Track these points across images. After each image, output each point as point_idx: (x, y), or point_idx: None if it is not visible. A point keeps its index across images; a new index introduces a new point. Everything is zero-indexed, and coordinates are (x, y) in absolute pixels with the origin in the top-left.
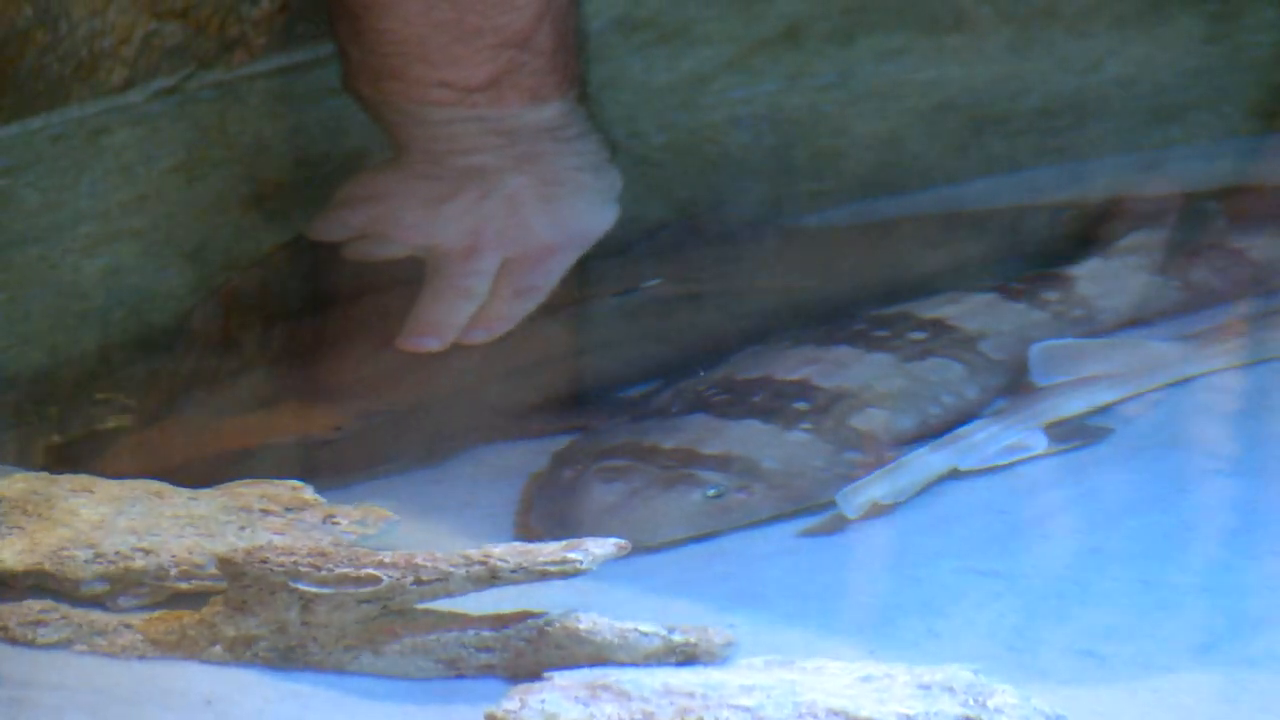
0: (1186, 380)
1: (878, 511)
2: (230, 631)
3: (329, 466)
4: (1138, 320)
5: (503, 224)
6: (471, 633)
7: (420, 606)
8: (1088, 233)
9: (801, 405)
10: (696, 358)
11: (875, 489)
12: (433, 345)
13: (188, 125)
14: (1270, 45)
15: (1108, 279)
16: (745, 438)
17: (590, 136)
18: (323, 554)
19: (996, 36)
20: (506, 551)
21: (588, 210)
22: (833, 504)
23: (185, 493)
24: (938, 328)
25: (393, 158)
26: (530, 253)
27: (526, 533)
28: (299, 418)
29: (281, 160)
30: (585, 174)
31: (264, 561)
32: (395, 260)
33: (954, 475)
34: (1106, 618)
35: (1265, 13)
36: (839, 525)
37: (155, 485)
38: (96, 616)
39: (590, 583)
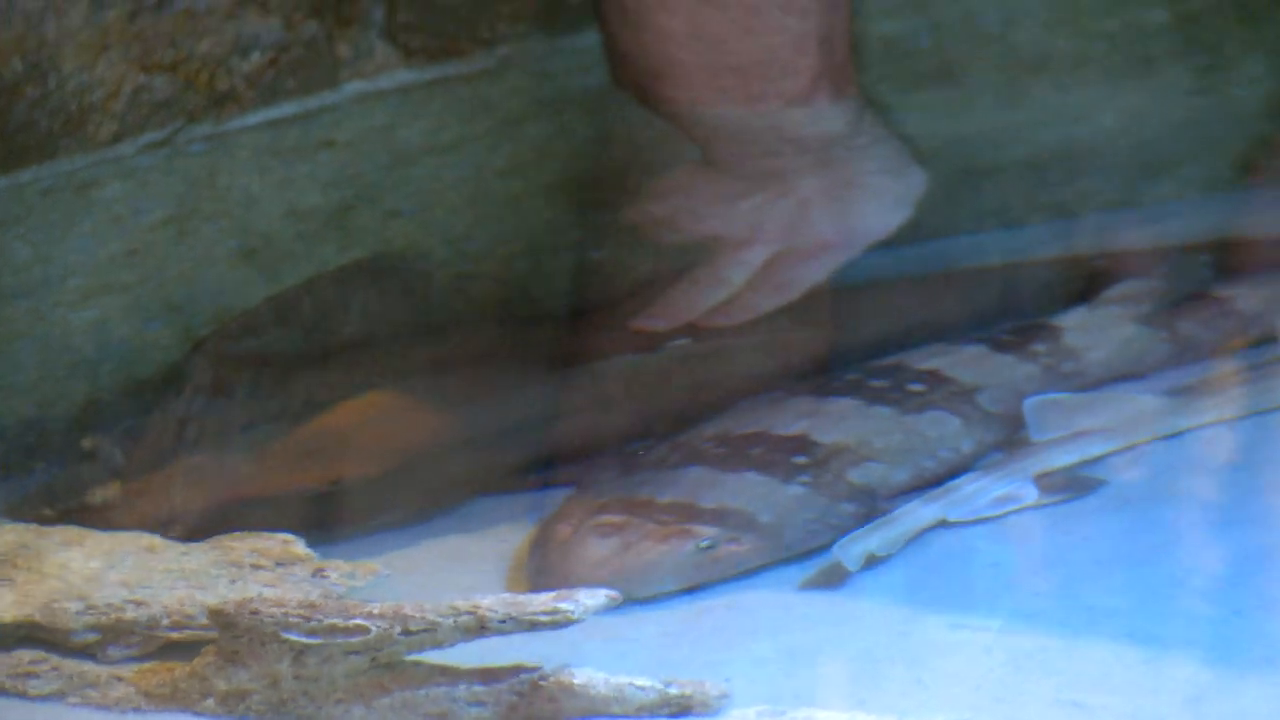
0: (1176, 434)
1: (872, 562)
2: (222, 685)
3: (323, 520)
4: (1127, 373)
5: (785, 221)
6: (463, 686)
7: (410, 659)
8: (1076, 286)
9: (800, 459)
10: (697, 410)
11: (870, 540)
12: (659, 326)
13: (177, 179)
14: (1258, 98)
15: (1095, 330)
16: (743, 491)
17: (885, 143)
18: (312, 605)
19: (985, 89)
20: (495, 602)
21: (874, 212)
22: (821, 552)
23: (177, 546)
24: (934, 379)
25: (703, 158)
26: (802, 249)
27: (521, 585)
28: (293, 471)
29: (271, 213)
30: (880, 177)
31: (255, 612)
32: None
33: (945, 526)
34: (1094, 669)
35: (1253, 66)
36: (838, 577)
37: (146, 538)
38: (88, 668)
39: (583, 634)
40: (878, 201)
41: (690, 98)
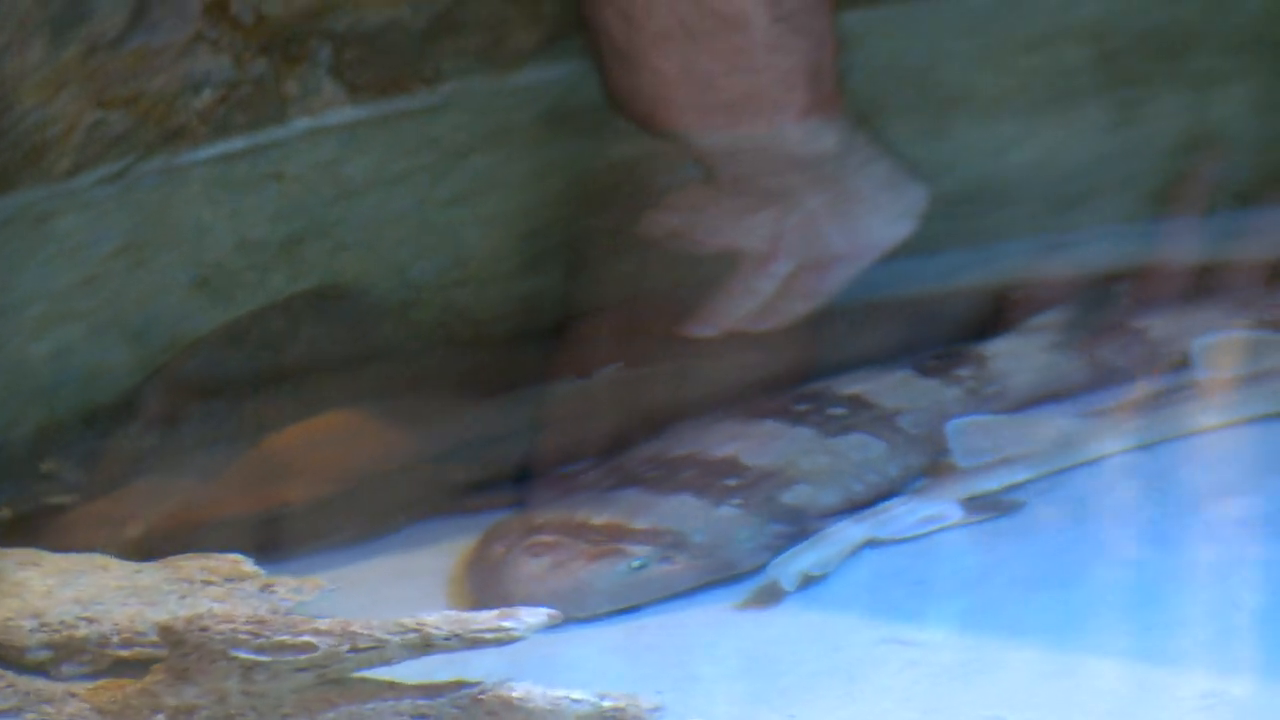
0: (1096, 459)
1: (807, 582)
2: (172, 701)
3: (272, 541)
4: (1047, 396)
5: (799, 236)
6: (407, 701)
7: (356, 675)
8: (998, 313)
9: (731, 481)
10: (638, 434)
11: (806, 559)
12: (708, 333)
13: (132, 210)
14: (1174, 132)
15: (1018, 356)
16: (676, 512)
17: (879, 160)
18: (261, 621)
19: (911, 124)
20: (441, 620)
21: (880, 225)
22: (755, 573)
23: (130, 565)
24: (857, 404)
25: (706, 177)
26: (821, 261)
27: (462, 602)
28: (243, 494)
29: (222, 244)
30: (880, 192)
31: (204, 629)
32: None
33: (874, 545)
34: (1016, 684)
35: (1169, 101)
36: (773, 596)
37: (101, 558)
38: (43, 685)
39: (523, 650)
40: (881, 214)
41: (686, 128)
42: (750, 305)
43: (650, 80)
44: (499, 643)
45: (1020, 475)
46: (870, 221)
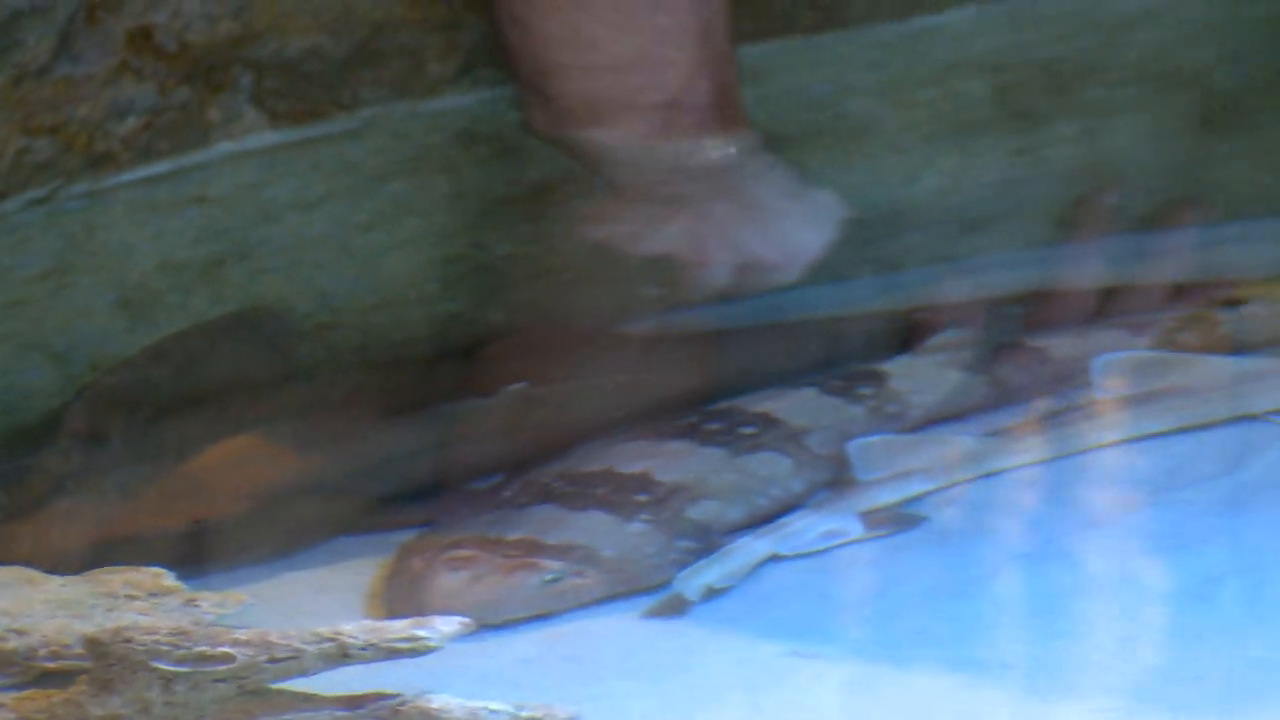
0: (993, 473)
1: (711, 594)
2: (96, 711)
3: (192, 557)
4: (948, 415)
5: (721, 239)
6: (325, 712)
7: (275, 686)
8: (901, 334)
9: (642, 497)
10: (548, 452)
11: (710, 573)
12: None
13: (57, 234)
14: (1071, 159)
15: (919, 375)
16: (587, 527)
17: (776, 170)
18: (182, 633)
19: (817, 153)
20: (357, 629)
21: (795, 233)
22: (663, 587)
23: (56, 579)
24: (765, 422)
25: (610, 190)
26: (754, 266)
27: (378, 614)
28: (163, 512)
29: (145, 266)
30: (784, 201)
31: (127, 640)
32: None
33: (777, 559)
34: (918, 694)
35: (1066, 129)
36: (679, 607)
37: (28, 572)
38: None
39: (440, 661)
40: (795, 221)
41: (573, 99)
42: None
43: (540, 44)
44: (414, 652)
45: (918, 488)
46: (783, 228)
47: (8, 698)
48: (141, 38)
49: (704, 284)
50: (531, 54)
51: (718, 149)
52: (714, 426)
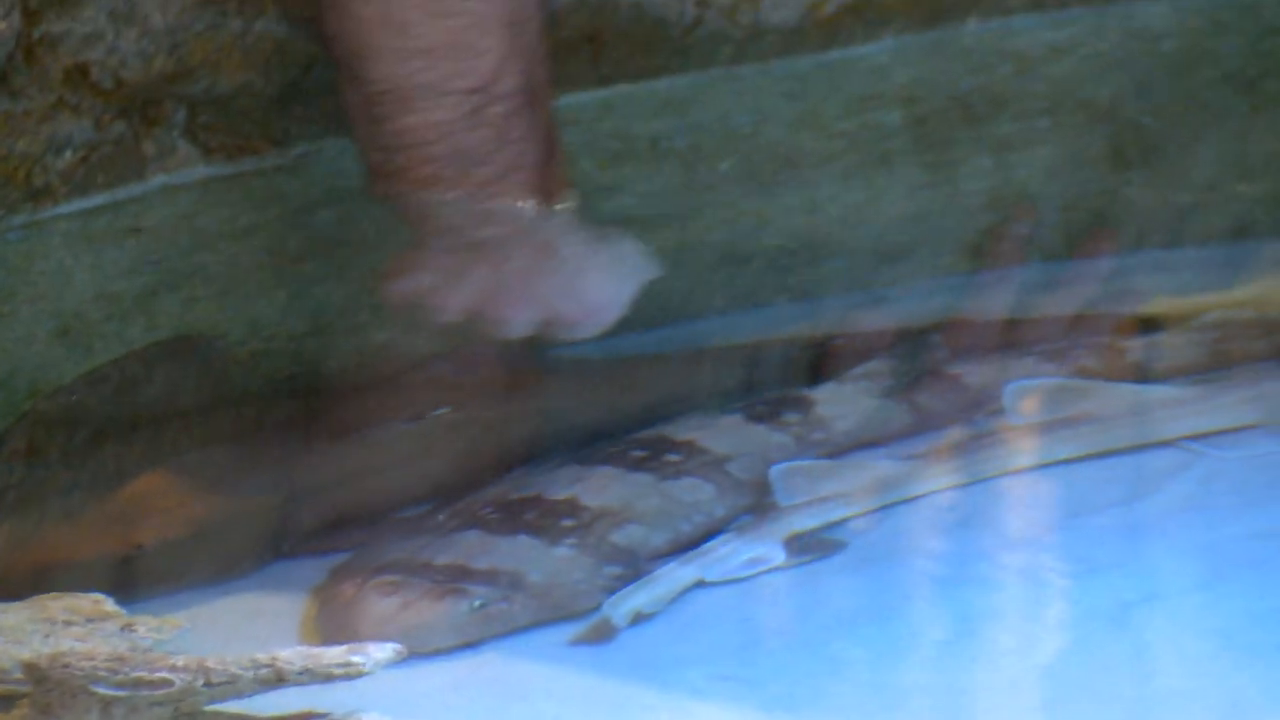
0: (911, 498)
1: (638, 619)
2: None
3: (129, 582)
4: (870, 440)
5: (520, 293)
6: None
7: (210, 709)
8: (822, 362)
9: (568, 523)
10: (475, 477)
11: (637, 598)
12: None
13: None
14: (981, 191)
15: (842, 402)
16: (514, 553)
17: (579, 225)
18: (120, 658)
19: (737, 183)
20: (293, 655)
21: (597, 286)
22: (591, 612)
23: None
24: (690, 449)
25: (414, 240)
26: (554, 322)
27: (312, 639)
28: (100, 536)
29: (83, 295)
30: (587, 253)
31: (66, 666)
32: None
33: (702, 585)
34: (840, 715)
35: (978, 161)
36: (606, 633)
37: None
38: None
39: (371, 684)
40: (595, 274)
41: (385, 83)
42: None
43: (355, 26)
44: (348, 676)
45: (839, 514)
46: (588, 281)
47: None
48: (78, 74)
49: (512, 330)
50: (347, 37)
51: (532, 197)
52: (639, 453)
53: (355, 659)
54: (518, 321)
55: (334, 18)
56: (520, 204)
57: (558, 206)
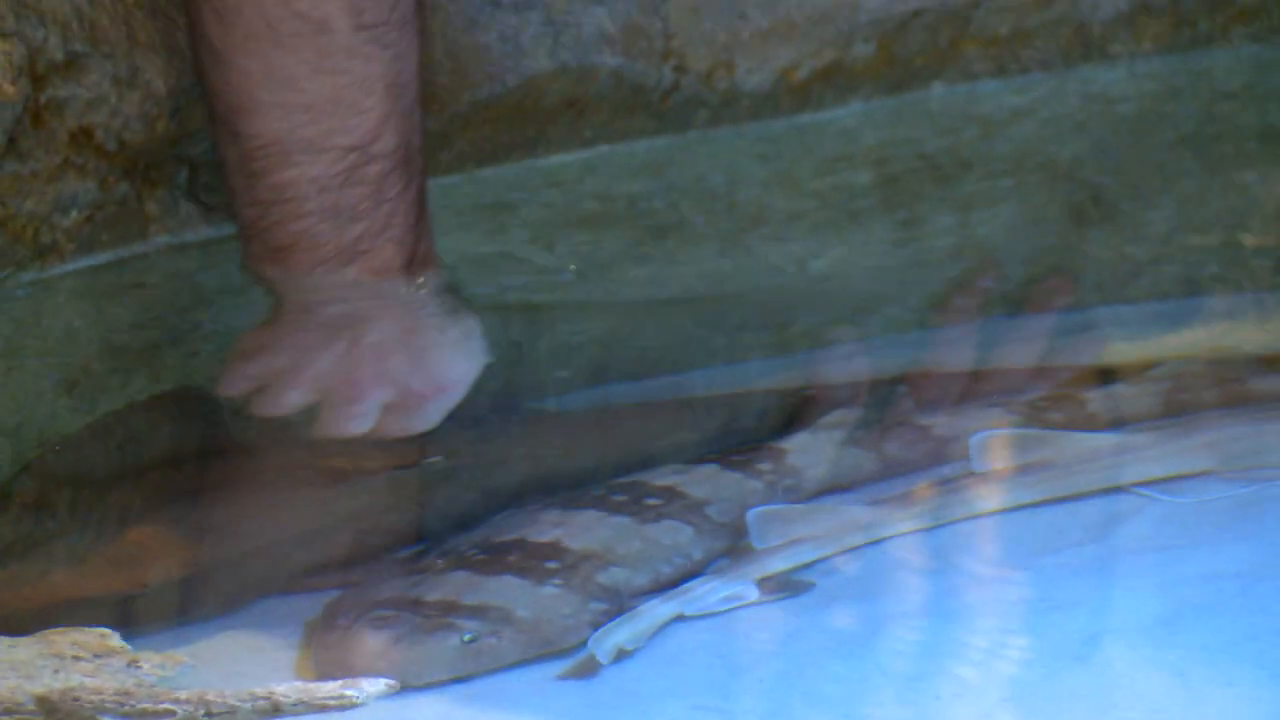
0: (879, 540)
1: (621, 655)
2: None
3: (136, 618)
4: (839, 487)
5: (374, 370)
6: None
7: None
8: (795, 412)
9: (553, 564)
10: (460, 521)
11: (619, 634)
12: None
13: (6, 319)
14: (947, 247)
15: (814, 451)
16: (502, 591)
17: (445, 291)
18: (127, 693)
19: (712, 241)
20: (289, 689)
21: (453, 359)
22: (578, 649)
23: (5, 640)
24: (669, 494)
25: (272, 314)
26: (406, 399)
27: (308, 673)
28: (109, 576)
29: (89, 350)
30: (443, 321)
31: (76, 699)
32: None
33: (681, 620)
34: None
35: (943, 220)
36: (591, 668)
37: None
38: None
39: (364, 715)
40: (451, 348)
41: (265, 139)
42: (359, 431)
43: (238, 79)
44: (341, 708)
45: (810, 555)
46: (441, 354)
47: None
48: (84, 137)
49: (355, 422)
50: (229, 90)
51: (399, 267)
52: (620, 498)
53: (348, 692)
54: (370, 404)
55: (216, 72)
56: (388, 268)
57: (423, 277)
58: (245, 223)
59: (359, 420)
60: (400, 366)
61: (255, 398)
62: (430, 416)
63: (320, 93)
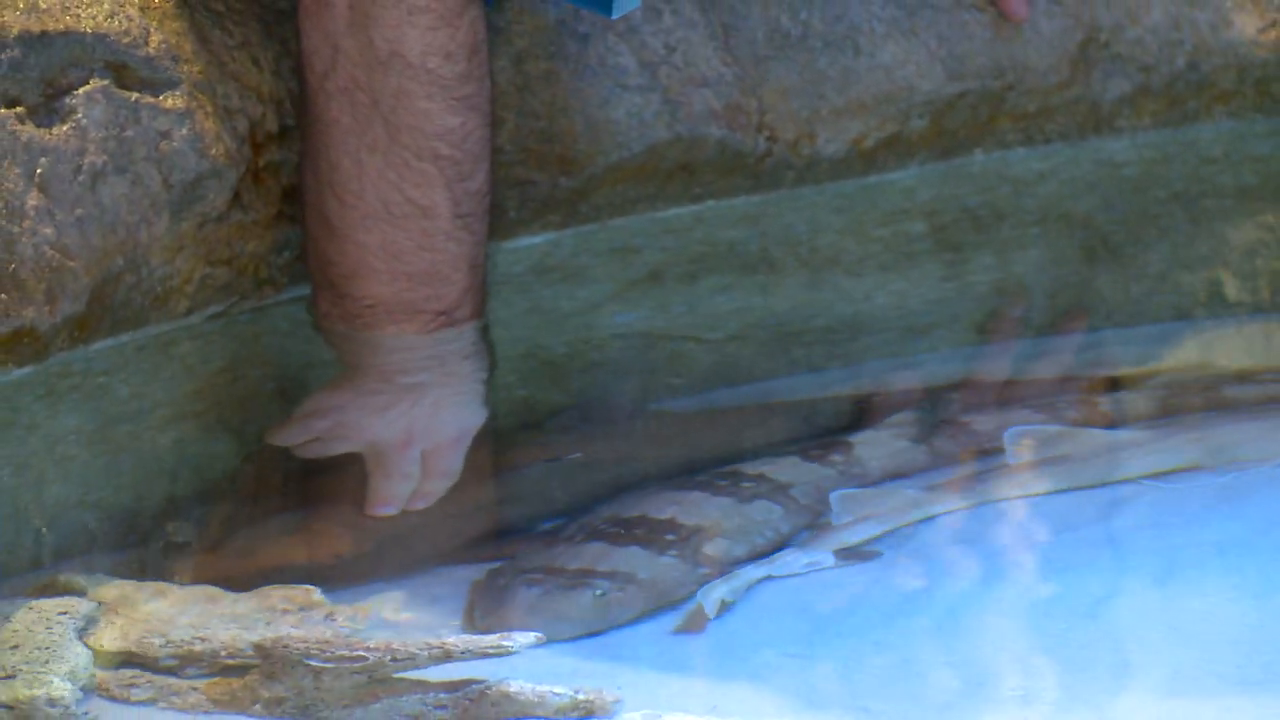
0: (933, 518)
1: (723, 609)
2: (265, 694)
3: (333, 581)
4: (898, 474)
5: (426, 424)
6: (432, 695)
7: (396, 676)
8: (862, 414)
9: (670, 537)
10: (594, 502)
11: (721, 589)
12: (390, 512)
13: (232, 339)
14: (986, 283)
15: (877, 445)
16: (628, 559)
17: (482, 352)
18: (326, 642)
19: (796, 276)
20: (458, 640)
21: (474, 411)
22: (686, 601)
23: (230, 595)
24: (761, 479)
25: (346, 375)
26: (441, 445)
27: (472, 625)
28: (311, 547)
29: (298, 363)
30: (477, 383)
31: (285, 646)
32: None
33: (770, 581)
34: (876, 683)
35: (983, 260)
36: (700, 621)
37: (211, 590)
38: (172, 681)
39: (518, 660)
40: (474, 403)
41: (372, 300)
42: (410, 487)
43: (354, 251)
44: (499, 655)
45: (877, 530)
46: (469, 408)
47: (200, 684)
48: (294, 192)
49: (409, 466)
50: (344, 259)
51: (464, 338)
52: (723, 482)
53: (505, 643)
54: (414, 451)
55: (334, 246)
56: (449, 344)
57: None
58: (331, 337)
59: (411, 467)
60: (445, 419)
61: (309, 444)
62: (458, 459)
63: (423, 266)
